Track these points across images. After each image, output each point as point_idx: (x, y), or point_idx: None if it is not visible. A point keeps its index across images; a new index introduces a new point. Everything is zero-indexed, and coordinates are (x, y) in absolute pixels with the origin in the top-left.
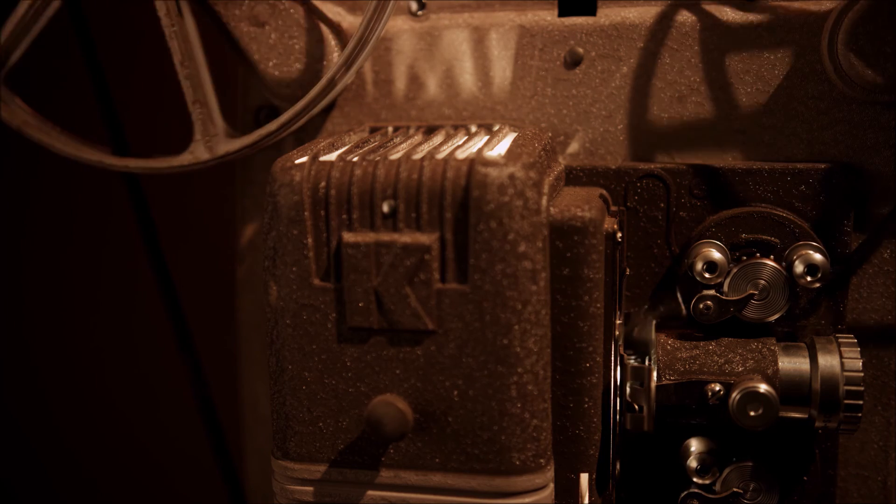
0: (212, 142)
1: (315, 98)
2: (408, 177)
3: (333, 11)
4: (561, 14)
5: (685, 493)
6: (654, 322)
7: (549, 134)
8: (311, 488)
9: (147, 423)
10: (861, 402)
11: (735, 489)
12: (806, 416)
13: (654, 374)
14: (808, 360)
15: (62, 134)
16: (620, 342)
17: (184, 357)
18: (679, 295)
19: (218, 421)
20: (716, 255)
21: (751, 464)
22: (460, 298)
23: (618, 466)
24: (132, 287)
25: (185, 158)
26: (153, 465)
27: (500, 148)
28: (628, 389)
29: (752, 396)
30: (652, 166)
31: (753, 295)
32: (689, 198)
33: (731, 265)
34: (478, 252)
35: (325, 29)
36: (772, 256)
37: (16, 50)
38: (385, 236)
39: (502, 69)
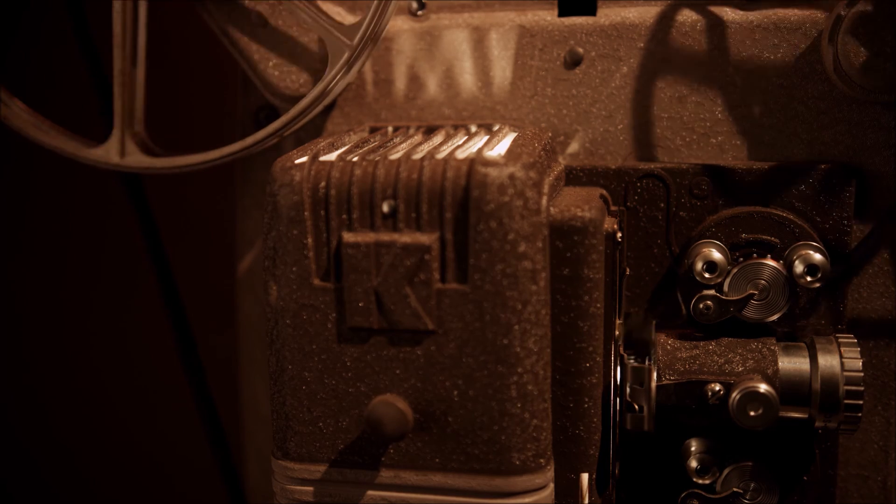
0: (344, 34)
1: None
2: (408, 177)
3: (333, 11)
4: (561, 14)
5: (685, 493)
6: (654, 322)
7: (549, 134)
8: (311, 488)
9: (147, 423)
10: (861, 402)
11: (735, 489)
12: (806, 416)
13: (654, 374)
14: (808, 360)
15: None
16: (620, 342)
17: (184, 357)
18: (679, 295)
19: (218, 421)
20: (716, 255)
21: (751, 464)
22: (460, 298)
23: (618, 466)
24: (132, 287)
25: (332, 71)
26: (153, 466)
27: (500, 148)
28: (628, 389)
29: (752, 396)
30: (652, 166)
31: (753, 295)
32: (689, 198)
33: (731, 265)
34: (478, 252)
35: (325, 29)
36: (772, 256)
37: (135, 102)
38: (385, 236)
39: (502, 69)
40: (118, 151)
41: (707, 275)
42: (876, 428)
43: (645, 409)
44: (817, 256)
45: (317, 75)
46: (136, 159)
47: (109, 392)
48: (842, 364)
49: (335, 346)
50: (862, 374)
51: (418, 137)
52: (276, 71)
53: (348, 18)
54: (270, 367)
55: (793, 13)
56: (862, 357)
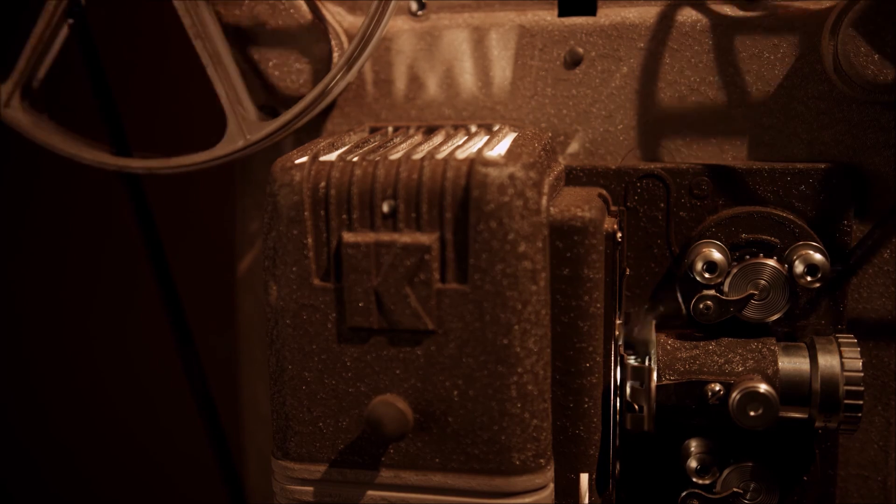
0: (246, 129)
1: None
2: (408, 177)
3: (333, 11)
4: (561, 14)
5: (685, 493)
6: (654, 322)
7: (549, 134)
8: (311, 488)
9: (147, 423)
10: (861, 402)
11: (735, 489)
12: (806, 416)
13: (654, 374)
14: (808, 360)
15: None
16: (620, 342)
17: (184, 357)
18: (679, 295)
19: (218, 421)
20: (716, 255)
21: (751, 464)
22: (460, 298)
23: (618, 466)
24: (132, 287)
25: (223, 149)
26: (153, 466)
27: (500, 148)
28: (628, 389)
29: (752, 396)
30: (652, 166)
31: (753, 295)
32: (689, 198)
33: (731, 265)
34: (478, 252)
35: (325, 29)
36: (771, 256)
37: (39, 70)
38: (385, 236)
39: (502, 69)
40: (3, 101)
41: (707, 275)
42: (876, 428)
43: (645, 409)
44: (817, 256)
45: (317, 75)
46: (15, 116)
47: (109, 392)
48: (842, 364)
49: (335, 346)
50: (862, 374)
51: (418, 137)
52: (276, 71)
53: (348, 19)
54: (270, 367)
55: (793, 13)
56: (862, 357)
